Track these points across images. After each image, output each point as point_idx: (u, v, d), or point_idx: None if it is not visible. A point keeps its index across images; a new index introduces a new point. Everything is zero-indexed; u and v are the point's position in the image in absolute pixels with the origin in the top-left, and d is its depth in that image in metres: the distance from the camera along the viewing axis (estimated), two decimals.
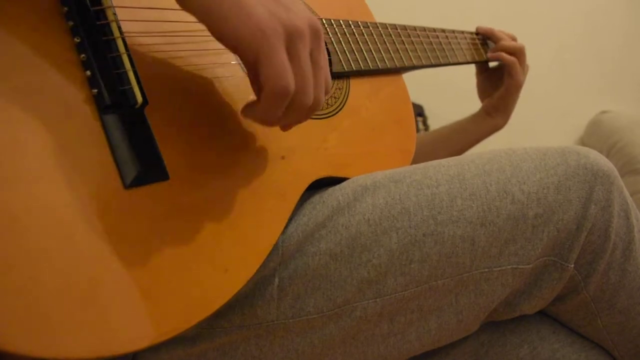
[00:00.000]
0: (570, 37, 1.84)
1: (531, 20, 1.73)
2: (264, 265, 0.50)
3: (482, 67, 1.02)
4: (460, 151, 1.01)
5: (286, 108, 0.46)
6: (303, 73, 0.45)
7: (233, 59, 0.56)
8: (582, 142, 1.86)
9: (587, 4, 1.86)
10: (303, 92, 0.45)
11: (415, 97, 0.80)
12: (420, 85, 1.04)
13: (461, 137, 1.00)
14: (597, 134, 1.79)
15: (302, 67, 0.45)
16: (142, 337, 0.40)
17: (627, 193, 0.57)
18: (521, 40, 1.02)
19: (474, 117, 1.01)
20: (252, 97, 0.49)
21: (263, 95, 0.45)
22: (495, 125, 0.99)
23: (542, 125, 1.77)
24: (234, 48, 0.44)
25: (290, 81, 0.44)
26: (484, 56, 0.96)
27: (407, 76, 0.79)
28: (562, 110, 1.81)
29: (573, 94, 1.84)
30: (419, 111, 1.48)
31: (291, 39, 0.44)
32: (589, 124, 1.85)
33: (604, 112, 1.83)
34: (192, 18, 0.44)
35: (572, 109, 1.84)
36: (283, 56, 0.43)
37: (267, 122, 0.48)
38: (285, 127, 0.51)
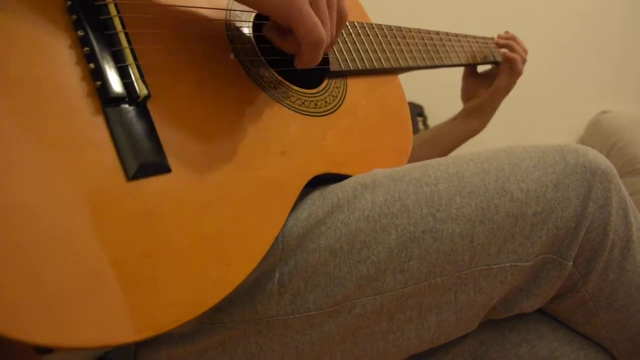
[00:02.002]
0: (570, 37, 1.84)
1: (531, 20, 1.73)
2: (264, 260, 0.50)
3: (470, 71, 1.03)
4: (443, 154, 1.02)
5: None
6: (324, 22, 0.53)
7: (234, 55, 0.57)
8: (582, 142, 1.86)
9: (587, 4, 1.87)
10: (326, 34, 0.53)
11: (415, 97, 0.80)
12: (420, 85, 1.04)
13: (439, 141, 1.02)
14: (597, 134, 1.79)
15: (323, 17, 0.53)
16: (143, 328, 0.40)
17: (625, 191, 0.57)
18: (521, 40, 1.03)
19: (453, 120, 1.03)
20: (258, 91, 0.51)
21: (303, 48, 0.53)
22: (473, 129, 1.01)
23: (542, 125, 1.77)
24: (269, 14, 0.52)
25: (322, 32, 0.52)
26: (478, 59, 0.98)
27: (407, 76, 0.79)
28: (562, 110, 1.82)
29: (573, 94, 1.84)
30: (419, 111, 1.48)
31: None
32: (589, 124, 1.85)
33: (604, 112, 1.83)
34: (195, 12, 0.45)
35: (572, 109, 1.84)
36: (311, 15, 0.51)
37: (314, 63, 0.56)
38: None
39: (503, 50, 1.02)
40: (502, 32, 1.05)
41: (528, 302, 0.57)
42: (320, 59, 0.55)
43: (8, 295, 0.35)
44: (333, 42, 0.57)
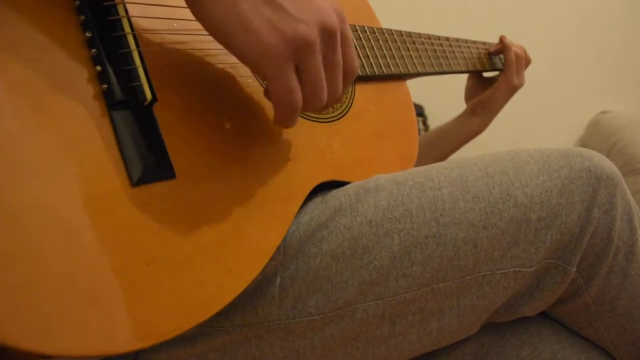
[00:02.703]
0: (570, 37, 1.84)
1: (531, 20, 1.73)
2: (266, 264, 0.50)
3: (476, 73, 1.03)
4: (442, 157, 1.02)
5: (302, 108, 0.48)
6: (313, 82, 0.46)
7: None
8: (582, 142, 1.86)
9: (587, 4, 1.87)
10: (314, 97, 0.47)
11: (416, 97, 0.80)
12: (420, 85, 1.04)
13: (440, 142, 1.02)
14: (597, 134, 1.79)
15: (312, 76, 0.46)
16: (143, 336, 0.40)
17: (630, 196, 0.57)
18: (521, 40, 1.04)
19: (457, 119, 1.03)
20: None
21: (274, 109, 0.48)
22: (474, 129, 1.01)
23: (542, 125, 1.77)
24: (248, 67, 0.46)
25: (295, 98, 0.45)
26: (486, 66, 0.98)
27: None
28: (562, 110, 1.82)
29: (573, 94, 1.85)
30: (419, 111, 1.48)
31: (298, 55, 0.44)
32: (589, 124, 1.85)
33: (604, 112, 1.83)
34: None
35: (572, 109, 1.84)
36: (287, 79, 0.44)
37: (288, 127, 0.50)
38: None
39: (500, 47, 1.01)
40: (502, 33, 1.05)
41: (530, 306, 0.57)
42: (295, 123, 0.49)
43: (7, 302, 0.35)
44: (335, 100, 0.50)
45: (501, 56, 1.02)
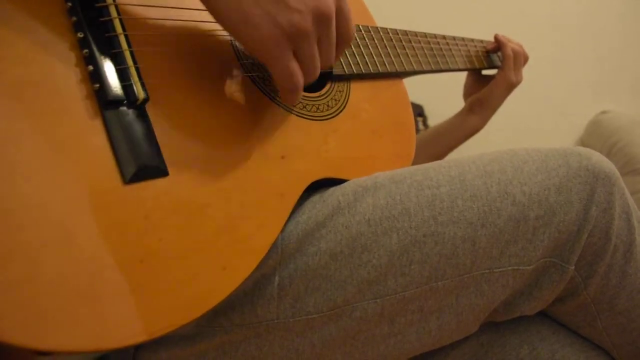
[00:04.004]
0: (570, 37, 1.85)
1: (531, 20, 1.73)
2: (263, 263, 0.50)
3: (475, 72, 1.03)
4: (439, 156, 1.02)
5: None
6: (308, 63, 0.51)
7: (235, 58, 0.56)
8: (582, 142, 1.86)
9: (587, 4, 1.87)
10: (308, 74, 0.52)
11: (415, 97, 0.80)
12: (420, 85, 1.04)
13: (440, 141, 1.02)
14: (597, 134, 1.79)
15: (306, 60, 0.50)
16: (138, 332, 0.40)
17: (628, 195, 0.57)
18: (521, 40, 1.04)
19: (455, 117, 1.02)
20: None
21: (279, 90, 0.53)
22: (472, 127, 1.00)
23: (542, 125, 1.77)
24: (250, 53, 0.52)
25: (298, 80, 0.50)
26: (484, 63, 0.97)
27: (406, 77, 0.79)
28: (562, 110, 1.82)
29: (573, 94, 1.85)
30: (419, 111, 1.48)
31: (295, 41, 0.48)
32: (589, 124, 1.85)
33: (604, 112, 1.83)
34: (194, 15, 0.45)
35: (572, 109, 1.84)
36: (287, 64, 0.49)
37: (293, 104, 0.57)
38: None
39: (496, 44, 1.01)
40: (502, 33, 1.05)
41: (529, 305, 0.57)
42: (299, 101, 0.56)
43: (2, 299, 0.35)
44: (327, 68, 0.56)
45: (499, 54, 1.02)
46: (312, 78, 0.53)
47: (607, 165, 0.55)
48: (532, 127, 1.73)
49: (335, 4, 0.51)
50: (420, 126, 1.45)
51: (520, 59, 0.99)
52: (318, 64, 0.52)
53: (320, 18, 0.49)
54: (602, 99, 1.87)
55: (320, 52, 0.51)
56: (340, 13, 0.52)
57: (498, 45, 0.99)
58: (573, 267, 0.55)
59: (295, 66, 0.49)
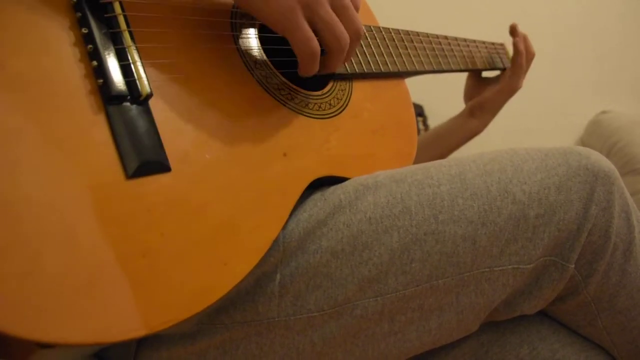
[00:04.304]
0: (570, 37, 1.85)
1: (531, 20, 1.72)
2: (264, 260, 0.50)
3: (475, 73, 1.03)
4: (439, 158, 1.01)
5: (330, 54, 0.57)
6: (328, 26, 0.54)
7: (238, 55, 0.56)
8: (582, 142, 1.86)
9: (587, 4, 1.87)
10: (334, 38, 0.55)
11: (415, 97, 0.80)
12: (420, 85, 1.04)
13: (440, 143, 1.02)
14: (597, 134, 1.79)
15: (325, 23, 0.54)
16: (139, 326, 0.40)
17: (628, 194, 0.57)
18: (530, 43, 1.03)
19: (455, 119, 1.03)
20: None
21: (299, 59, 0.56)
22: (472, 130, 1.01)
23: (542, 125, 1.77)
24: (266, 24, 0.54)
25: (313, 45, 0.54)
26: (486, 65, 0.98)
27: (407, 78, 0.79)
28: (562, 110, 1.82)
29: (573, 94, 1.85)
30: (419, 111, 1.48)
31: (309, 8, 0.53)
32: (589, 124, 1.85)
33: (604, 112, 1.83)
34: (198, 11, 0.45)
35: (572, 109, 1.84)
36: (303, 28, 0.53)
37: (312, 73, 0.58)
38: (346, 60, 0.61)
39: (514, 37, 1.01)
40: (502, 33, 1.05)
41: (529, 304, 0.57)
42: (317, 69, 0.56)
43: (4, 291, 0.35)
44: (359, 36, 0.58)
45: (501, 55, 1.02)
46: (340, 44, 0.55)
47: (606, 164, 0.55)
48: (532, 127, 1.73)
49: None
50: (420, 126, 1.45)
51: (528, 65, 1.00)
52: (341, 28, 0.55)
53: None
54: (602, 99, 1.87)
55: (341, 19, 0.55)
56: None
57: (515, 50, 0.99)
58: (573, 266, 0.55)
59: (310, 32, 0.53)
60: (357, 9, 0.58)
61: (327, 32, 0.55)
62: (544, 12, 1.80)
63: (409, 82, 0.77)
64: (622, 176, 0.57)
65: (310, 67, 0.56)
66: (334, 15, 0.54)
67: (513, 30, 1.00)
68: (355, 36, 0.57)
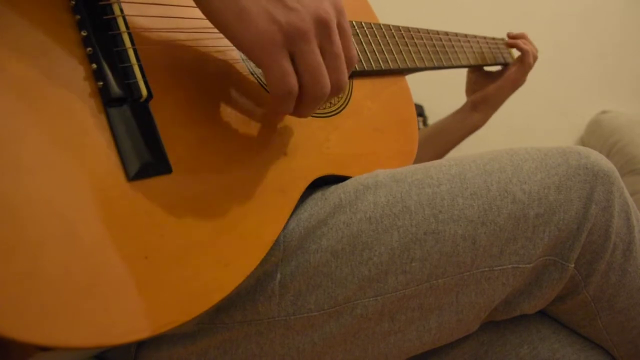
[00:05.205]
0: (570, 37, 1.84)
1: (531, 20, 1.73)
2: (265, 260, 0.50)
3: (478, 68, 1.03)
4: (441, 153, 1.02)
5: (305, 100, 0.49)
6: (311, 69, 0.47)
7: (238, 56, 0.56)
8: (582, 141, 1.86)
9: (587, 4, 1.87)
10: (315, 84, 0.48)
11: (416, 97, 0.80)
12: (420, 85, 1.04)
13: (441, 138, 1.02)
14: (597, 134, 1.79)
15: (308, 65, 0.47)
16: (141, 328, 0.40)
17: (627, 194, 0.57)
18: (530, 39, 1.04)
19: (456, 114, 1.02)
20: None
21: (270, 96, 0.48)
22: (473, 124, 1.00)
23: (542, 125, 1.77)
24: (241, 52, 0.48)
25: (290, 84, 0.46)
26: (487, 61, 0.98)
27: (407, 76, 0.79)
28: (562, 110, 1.82)
29: (573, 93, 1.85)
30: (419, 111, 1.48)
31: (292, 42, 0.46)
32: (589, 123, 1.85)
33: (604, 112, 1.83)
34: (197, 13, 0.45)
35: (572, 109, 1.84)
36: (282, 63, 0.46)
37: (281, 115, 0.53)
38: (306, 115, 0.53)
39: (514, 41, 1.02)
40: (502, 32, 1.05)
41: (529, 303, 0.57)
42: (290, 111, 0.50)
43: (4, 294, 0.35)
44: (340, 89, 0.51)
45: (503, 51, 1.02)
46: (317, 91, 0.48)
47: (606, 163, 0.56)
48: (532, 127, 1.73)
49: (336, 17, 0.49)
50: (421, 126, 1.46)
51: (534, 62, 1.01)
52: (324, 74, 0.48)
53: (321, 24, 0.47)
54: (602, 98, 1.87)
55: (327, 65, 0.49)
56: (341, 30, 0.50)
57: (521, 51, 0.99)
58: (573, 266, 0.55)
59: (289, 68, 0.46)
60: (351, 62, 0.52)
61: (308, 77, 0.47)
62: (545, 12, 1.80)
63: (409, 81, 0.77)
64: (622, 176, 0.57)
65: (281, 108, 0.49)
66: (320, 58, 0.48)
67: (511, 40, 1.01)
68: (336, 89, 0.50)
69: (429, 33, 0.83)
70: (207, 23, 0.46)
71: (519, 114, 1.44)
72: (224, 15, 0.45)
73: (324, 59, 0.48)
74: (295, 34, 0.46)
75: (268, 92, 0.57)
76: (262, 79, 0.57)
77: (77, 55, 0.44)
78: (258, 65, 0.47)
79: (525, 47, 0.99)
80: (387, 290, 0.52)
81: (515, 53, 1.04)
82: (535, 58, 1.01)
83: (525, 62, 0.99)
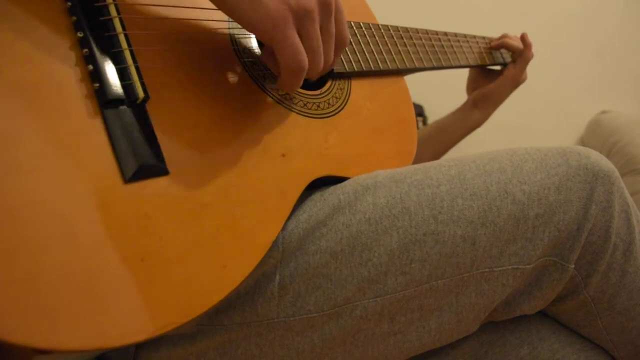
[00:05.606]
0: (570, 37, 1.84)
1: (531, 20, 1.73)
2: (264, 261, 0.50)
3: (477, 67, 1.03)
4: (441, 152, 1.02)
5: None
6: (313, 48, 0.51)
7: (235, 57, 0.56)
8: (582, 141, 1.86)
9: (587, 4, 1.86)
10: (314, 62, 0.52)
11: (415, 97, 0.80)
12: (420, 85, 1.04)
13: (442, 137, 1.02)
14: (597, 134, 1.79)
15: (312, 44, 0.51)
16: (139, 330, 0.40)
17: (627, 194, 0.57)
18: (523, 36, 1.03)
19: (456, 112, 1.02)
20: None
21: (282, 72, 0.52)
22: (473, 122, 1.00)
23: (542, 125, 1.77)
24: (251, 32, 0.50)
25: (304, 59, 0.50)
26: (487, 60, 0.97)
27: (407, 76, 0.79)
28: (562, 110, 1.82)
29: (573, 93, 1.84)
30: (419, 111, 1.48)
31: (300, 20, 0.49)
32: (589, 123, 1.85)
33: (604, 112, 1.83)
34: (194, 14, 0.45)
35: (572, 109, 1.84)
36: (294, 39, 0.49)
37: (293, 90, 0.55)
38: (292, 91, 0.56)
39: (499, 42, 1.02)
40: (502, 32, 1.05)
41: (529, 304, 0.57)
42: (301, 84, 0.53)
43: (3, 297, 0.35)
44: (329, 67, 0.55)
45: (502, 51, 1.02)
46: (312, 70, 0.52)
47: (606, 164, 0.55)
48: (532, 127, 1.73)
49: (334, 2, 0.52)
50: (420, 126, 1.45)
51: (530, 59, 1.01)
52: (322, 53, 0.52)
53: (322, 5, 0.50)
54: (602, 98, 1.87)
55: (323, 40, 0.52)
56: (337, 10, 0.53)
57: (523, 47, 0.99)
58: (573, 266, 0.55)
59: (300, 44, 0.49)
60: (344, 42, 0.55)
61: (310, 55, 0.51)
62: (544, 12, 1.79)
63: (409, 81, 0.77)
64: (622, 176, 0.57)
65: (293, 83, 0.52)
66: (320, 38, 0.51)
67: (495, 42, 1.01)
68: (325, 68, 0.55)
69: (428, 33, 0.83)
70: (204, 24, 0.46)
71: (518, 113, 1.44)
72: (235, 1, 0.48)
73: (321, 37, 0.52)
74: (303, 13, 0.49)
75: (265, 92, 0.57)
76: (260, 80, 0.57)
77: (73, 56, 0.44)
78: (270, 44, 0.49)
79: (513, 43, 0.99)
80: (386, 292, 0.52)
81: None
82: (532, 56, 1.00)
83: (524, 57, 0.99)
